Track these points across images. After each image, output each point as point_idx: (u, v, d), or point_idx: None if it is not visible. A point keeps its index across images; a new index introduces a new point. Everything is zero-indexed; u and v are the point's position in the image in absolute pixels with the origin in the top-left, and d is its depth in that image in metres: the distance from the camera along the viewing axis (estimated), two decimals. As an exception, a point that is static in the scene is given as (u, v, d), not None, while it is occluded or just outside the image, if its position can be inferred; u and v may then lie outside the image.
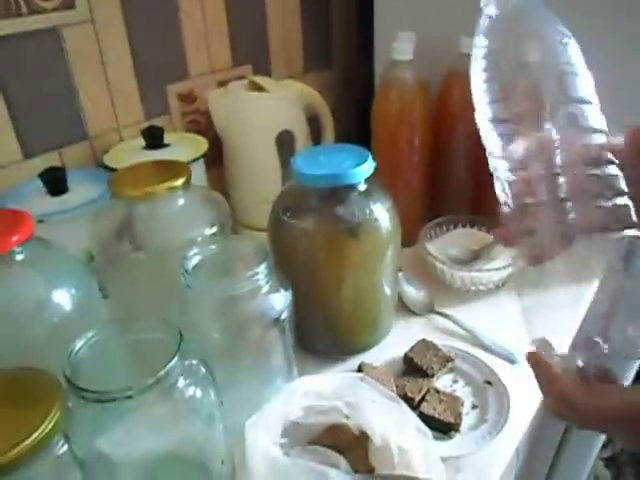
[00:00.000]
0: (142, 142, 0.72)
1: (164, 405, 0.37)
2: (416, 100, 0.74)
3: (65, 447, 0.37)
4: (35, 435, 0.34)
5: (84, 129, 0.72)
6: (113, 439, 0.38)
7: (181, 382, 0.37)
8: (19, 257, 0.45)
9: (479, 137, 0.81)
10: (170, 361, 0.36)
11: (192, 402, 0.38)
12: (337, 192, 0.53)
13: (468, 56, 0.76)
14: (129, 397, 0.34)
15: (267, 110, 0.72)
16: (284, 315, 0.48)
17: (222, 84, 0.84)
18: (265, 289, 0.47)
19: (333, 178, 0.52)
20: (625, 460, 1.43)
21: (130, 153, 0.70)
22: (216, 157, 0.78)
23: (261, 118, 0.68)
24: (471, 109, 0.80)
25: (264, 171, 0.75)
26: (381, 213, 0.54)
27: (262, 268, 0.45)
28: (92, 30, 0.68)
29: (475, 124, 0.77)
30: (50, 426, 0.35)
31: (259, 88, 0.78)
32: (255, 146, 0.72)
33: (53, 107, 0.68)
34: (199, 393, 0.39)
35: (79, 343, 0.39)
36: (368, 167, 0.53)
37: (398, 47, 0.73)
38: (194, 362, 0.40)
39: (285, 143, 0.77)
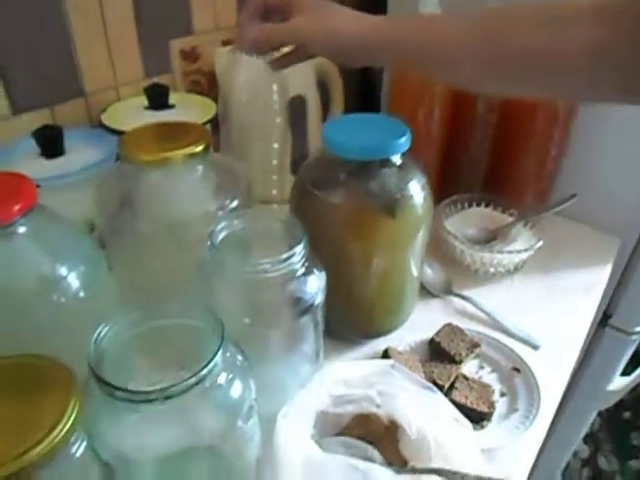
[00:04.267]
0: (143, 101, 0.66)
1: (203, 404, 0.33)
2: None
3: (83, 447, 0.33)
4: (53, 435, 0.30)
5: (80, 85, 0.65)
6: (141, 438, 0.34)
7: (222, 377, 0.33)
8: (21, 229, 0.40)
9: (501, 111, 0.78)
10: (214, 357, 0.32)
11: (233, 398, 0.34)
12: (371, 166, 0.49)
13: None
14: (168, 398, 0.30)
15: (281, 73, 0.66)
16: (318, 300, 0.44)
17: (227, 43, 0.78)
18: (300, 272, 0.43)
19: (370, 151, 0.48)
20: (603, 437, 1.47)
21: (131, 113, 0.64)
22: (222, 122, 0.72)
23: (280, 83, 0.62)
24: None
25: (274, 139, 0.69)
26: (416, 190, 0.51)
27: (299, 249, 0.41)
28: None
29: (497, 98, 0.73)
30: (69, 423, 0.31)
31: (269, 49, 0.72)
32: (266, 111, 0.67)
33: (46, 59, 0.61)
34: (240, 387, 0.35)
35: (103, 330, 0.34)
36: (405, 141, 0.49)
37: (422, 6, 0.68)
38: (232, 351, 0.36)
39: (297, 109, 0.72)
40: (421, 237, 0.53)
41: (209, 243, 0.42)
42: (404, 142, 0.48)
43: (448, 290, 0.67)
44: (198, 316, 0.35)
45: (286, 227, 0.45)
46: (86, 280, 0.43)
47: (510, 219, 0.74)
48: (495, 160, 0.79)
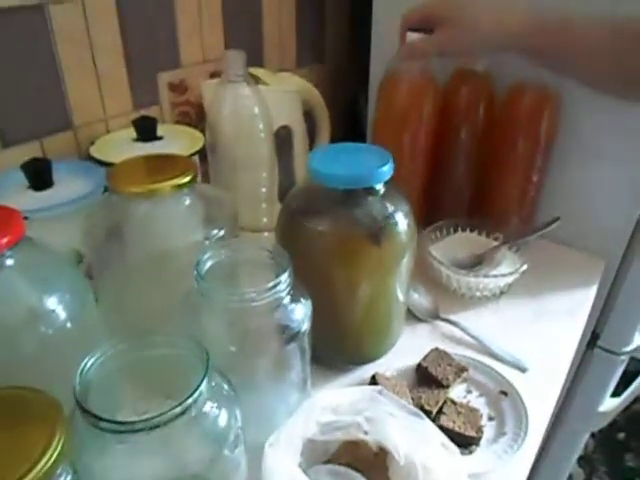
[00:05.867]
0: (132, 133, 0.67)
1: (190, 433, 0.33)
2: (424, 98, 0.71)
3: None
4: (38, 468, 0.30)
5: (68, 118, 0.66)
6: (127, 470, 0.34)
7: (208, 406, 0.34)
8: (9, 262, 0.40)
9: (483, 138, 0.80)
10: (199, 386, 0.32)
11: (219, 427, 0.34)
12: (355, 194, 0.50)
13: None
14: (154, 428, 0.30)
15: (267, 104, 0.68)
16: (305, 327, 0.45)
17: (214, 75, 0.79)
18: (286, 300, 0.43)
19: (354, 179, 0.49)
20: (597, 459, 1.46)
21: (120, 145, 0.65)
22: (210, 152, 0.73)
23: (264, 112, 0.64)
24: (477, 108, 0.79)
25: (261, 168, 0.70)
26: (400, 217, 0.52)
27: (285, 277, 0.42)
28: (81, 10, 0.62)
29: (481, 124, 0.77)
30: (54, 456, 0.30)
31: (256, 80, 0.73)
32: (252, 142, 0.68)
33: (36, 92, 0.62)
34: (226, 416, 0.35)
35: (89, 362, 0.34)
36: (389, 169, 0.50)
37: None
38: (218, 380, 0.36)
39: (283, 139, 0.73)
40: (406, 263, 0.54)
41: (195, 273, 0.43)
42: (387, 170, 0.50)
43: (435, 315, 0.67)
44: (184, 346, 0.36)
45: (272, 256, 0.46)
46: (73, 311, 0.43)
47: (495, 243, 0.76)
48: (479, 186, 0.80)
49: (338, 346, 0.57)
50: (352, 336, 0.57)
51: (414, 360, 0.58)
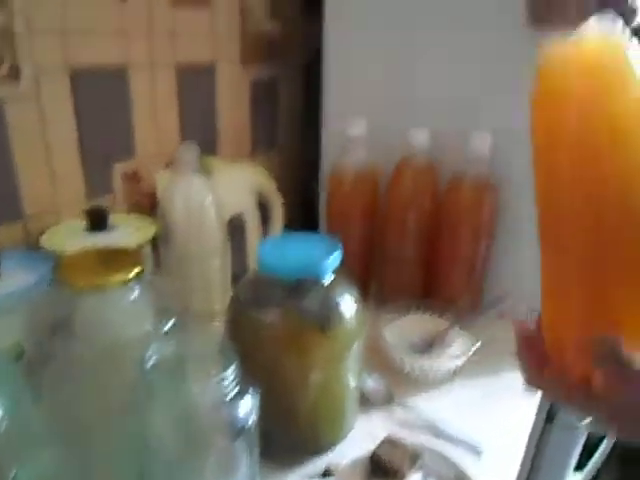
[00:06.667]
0: (83, 223, 0.67)
1: None
2: (368, 190, 0.75)
3: None
4: None
5: (19, 207, 0.66)
6: None
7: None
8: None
9: (430, 225, 0.83)
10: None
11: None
12: (304, 284, 0.51)
13: (417, 147, 0.79)
14: None
15: (219, 194, 0.70)
16: (252, 421, 0.44)
17: (169, 165, 0.81)
18: (232, 394, 0.43)
19: (301, 270, 0.50)
20: None
21: (71, 235, 0.65)
22: (163, 242, 0.74)
23: (215, 202, 0.66)
24: (423, 196, 0.82)
25: (214, 256, 0.71)
26: (348, 305, 0.53)
27: (230, 372, 0.42)
28: (36, 106, 0.64)
29: (427, 212, 0.80)
30: None
31: (209, 170, 0.76)
32: (210, 231, 0.69)
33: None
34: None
35: (20, 470, 0.33)
36: (336, 258, 0.51)
37: (351, 130, 0.75)
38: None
39: (236, 227, 0.75)
40: (356, 350, 0.54)
41: (140, 368, 0.42)
42: (335, 260, 0.51)
43: (390, 399, 0.67)
44: (118, 455, 0.35)
45: (219, 349, 0.45)
46: (7, 412, 0.41)
47: (447, 324, 0.77)
48: (429, 270, 0.83)
49: (290, 438, 0.56)
50: (304, 426, 0.56)
51: (369, 448, 0.57)
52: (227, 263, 0.72)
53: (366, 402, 0.66)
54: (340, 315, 0.51)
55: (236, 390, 0.43)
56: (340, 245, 0.52)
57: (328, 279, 0.52)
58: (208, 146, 0.90)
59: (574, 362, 0.36)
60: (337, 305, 0.51)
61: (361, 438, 0.60)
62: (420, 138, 0.76)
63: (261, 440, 0.51)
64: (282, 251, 0.52)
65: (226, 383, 0.42)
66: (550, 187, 0.34)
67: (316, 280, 0.51)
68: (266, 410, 0.52)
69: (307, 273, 0.50)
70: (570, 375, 0.36)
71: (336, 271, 0.52)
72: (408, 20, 0.81)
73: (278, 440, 0.56)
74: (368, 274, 0.88)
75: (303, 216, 1.06)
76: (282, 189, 1.03)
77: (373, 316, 0.79)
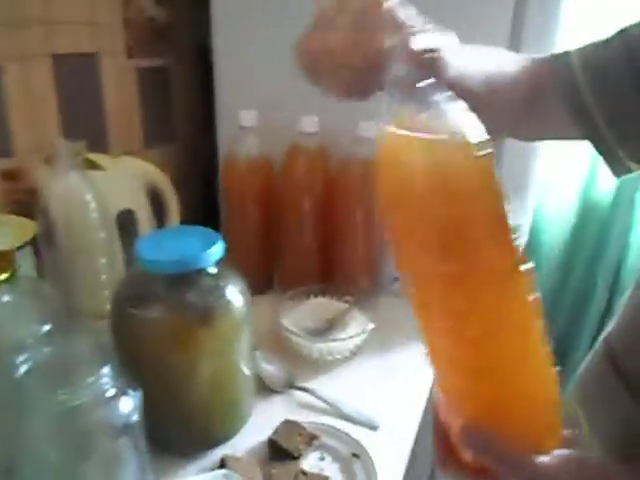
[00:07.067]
0: (-46, 228, 0.63)
1: None
2: (261, 176, 0.75)
3: None
4: None
5: None
6: None
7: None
8: None
9: (324, 209, 0.84)
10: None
11: None
12: (186, 278, 0.51)
13: (307, 134, 0.80)
14: None
15: (104, 189, 0.67)
16: (134, 419, 0.43)
17: (49, 161, 0.77)
18: (110, 393, 0.42)
19: (181, 264, 0.49)
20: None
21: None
22: (45, 241, 0.70)
23: (98, 198, 0.63)
24: (315, 182, 0.84)
25: (100, 254, 0.69)
26: (233, 295, 0.53)
27: (105, 371, 0.41)
28: None
29: (320, 196, 0.80)
30: None
31: (94, 166, 0.73)
32: (93, 228, 0.67)
33: None
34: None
35: None
36: (217, 250, 0.51)
37: (243, 120, 0.75)
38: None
39: (126, 224, 0.72)
40: (245, 339, 0.55)
41: (15, 373, 0.40)
42: (216, 252, 0.51)
43: (290, 384, 0.68)
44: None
45: (97, 349, 0.44)
46: None
47: (346, 306, 0.79)
48: (327, 253, 0.85)
49: (185, 432, 0.56)
50: (199, 419, 0.56)
51: (267, 434, 0.58)
52: (117, 260, 0.70)
53: (267, 389, 0.67)
54: (224, 306, 0.52)
55: (114, 389, 0.42)
56: (220, 237, 0.52)
57: (211, 271, 0.52)
58: (96, 140, 0.86)
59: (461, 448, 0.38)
60: (221, 297, 0.52)
61: (262, 425, 0.60)
62: (310, 125, 0.77)
63: (157, 435, 0.51)
64: (161, 246, 0.51)
65: (103, 383, 0.41)
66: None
67: (198, 273, 0.51)
68: (158, 406, 0.52)
69: (187, 266, 0.49)
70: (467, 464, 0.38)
71: (219, 263, 0.52)
72: (293, 9, 0.81)
73: (173, 435, 0.56)
74: (270, 262, 0.88)
75: (205, 209, 1.04)
76: (182, 182, 1.01)
77: (274, 303, 0.80)
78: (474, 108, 0.48)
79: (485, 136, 0.33)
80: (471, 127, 0.33)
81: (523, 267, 0.34)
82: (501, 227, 0.34)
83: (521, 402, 0.36)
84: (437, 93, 0.34)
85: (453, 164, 0.32)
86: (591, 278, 1.46)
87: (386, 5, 0.39)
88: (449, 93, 0.34)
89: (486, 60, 0.48)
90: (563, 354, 1.56)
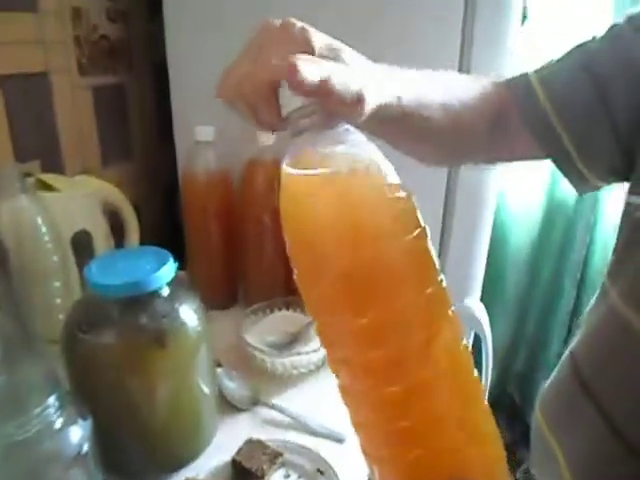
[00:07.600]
0: None
1: None
2: (221, 191, 0.75)
3: None
4: None
5: None
6: None
7: None
8: None
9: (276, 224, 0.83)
10: None
11: None
12: (138, 300, 0.50)
13: (264, 148, 0.80)
14: None
15: (58, 210, 0.66)
16: (85, 449, 0.42)
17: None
18: (59, 423, 0.41)
19: (132, 286, 0.48)
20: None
21: None
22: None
23: (50, 220, 0.62)
24: (273, 193, 0.84)
25: (54, 278, 0.67)
26: (188, 315, 0.52)
27: (52, 401, 0.40)
28: None
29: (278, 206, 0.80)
30: None
31: (48, 187, 0.71)
32: (45, 252, 0.65)
33: None
34: None
35: None
36: (169, 270, 0.51)
37: (199, 136, 0.75)
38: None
39: (83, 245, 0.71)
40: (203, 358, 0.54)
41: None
42: (167, 272, 0.50)
43: (256, 401, 0.67)
44: None
45: (47, 377, 0.43)
46: None
47: (310, 319, 0.79)
48: (289, 265, 0.84)
49: (145, 456, 0.55)
50: (158, 443, 0.54)
51: (231, 454, 0.57)
52: (72, 283, 0.68)
53: (232, 406, 0.66)
54: (178, 327, 0.51)
55: (63, 418, 0.41)
56: (171, 257, 0.51)
57: (163, 292, 0.51)
58: (51, 160, 0.84)
59: None
60: (175, 317, 0.51)
61: (226, 445, 0.59)
62: (266, 138, 0.77)
63: (116, 462, 0.50)
64: (113, 268, 0.50)
65: (50, 412, 0.40)
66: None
67: (150, 295, 0.50)
68: (115, 432, 0.51)
69: (138, 289, 0.49)
70: None
71: (172, 283, 0.51)
72: (247, 25, 0.81)
73: (133, 461, 0.55)
74: (234, 276, 0.88)
75: (169, 226, 1.03)
76: (143, 199, 1.00)
77: (238, 318, 0.79)
78: (435, 136, 0.48)
79: (391, 169, 0.32)
80: (372, 158, 0.32)
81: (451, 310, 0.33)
82: (420, 266, 0.32)
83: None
84: (334, 126, 0.33)
85: (356, 196, 0.31)
86: (558, 276, 1.48)
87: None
88: (346, 125, 0.33)
89: (441, 86, 0.47)
90: (533, 354, 1.59)
